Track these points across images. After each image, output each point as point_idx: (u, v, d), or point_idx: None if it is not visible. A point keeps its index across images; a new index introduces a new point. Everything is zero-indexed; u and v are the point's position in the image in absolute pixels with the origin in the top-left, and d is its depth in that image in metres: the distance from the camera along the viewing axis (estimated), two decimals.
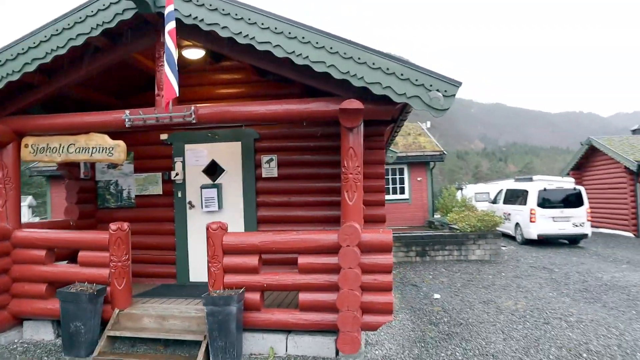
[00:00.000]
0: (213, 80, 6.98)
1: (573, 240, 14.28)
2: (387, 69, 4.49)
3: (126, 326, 5.18)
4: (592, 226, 17.95)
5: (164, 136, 7.01)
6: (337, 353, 4.80)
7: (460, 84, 4.45)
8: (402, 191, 16.59)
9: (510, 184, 17.25)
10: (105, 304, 5.19)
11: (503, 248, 13.53)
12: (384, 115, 4.90)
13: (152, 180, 7.08)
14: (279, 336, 4.98)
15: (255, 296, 4.96)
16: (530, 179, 17.01)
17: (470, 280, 9.07)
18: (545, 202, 13.83)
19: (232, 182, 6.82)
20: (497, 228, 11.68)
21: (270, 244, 4.93)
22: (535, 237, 13.65)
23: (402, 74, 4.47)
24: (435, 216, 16.23)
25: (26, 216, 26.88)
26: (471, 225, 11.46)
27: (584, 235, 13.74)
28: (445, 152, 16.28)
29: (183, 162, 6.95)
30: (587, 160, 19.23)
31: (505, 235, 16.33)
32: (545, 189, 13.91)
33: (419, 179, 16.45)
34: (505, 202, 16.17)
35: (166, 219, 7.02)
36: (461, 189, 24.85)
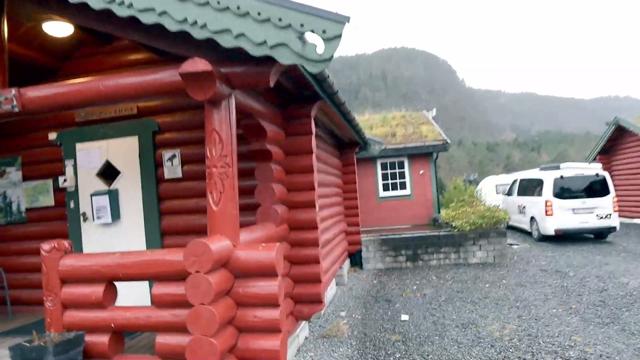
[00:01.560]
0: (114, 65, 5.58)
1: (599, 235, 12.17)
2: (239, 8, 2.96)
3: None
4: (622, 217, 15.65)
5: (52, 135, 5.67)
6: None
7: (347, 19, 2.85)
8: (403, 186, 14.82)
9: (525, 173, 15.18)
10: None
11: (514, 247, 11.60)
12: (261, 81, 3.34)
13: (43, 189, 5.75)
14: None
15: (102, 339, 3.52)
16: (557, 167, 14.80)
17: (460, 291, 7.33)
18: (563, 191, 11.81)
19: (130, 186, 5.40)
20: (503, 224, 9.82)
21: (117, 267, 3.48)
22: (552, 232, 11.65)
23: (259, 14, 2.92)
24: (440, 213, 14.37)
25: None
26: (470, 222, 9.66)
27: (612, 229, 11.63)
28: (448, 141, 14.40)
29: (75, 166, 5.58)
30: (616, 143, 16.88)
31: (522, 231, 14.31)
32: (562, 177, 11.89)
33: (421, 172, 14.63)
34: (519, 194, 14.17)
35: (61, 235, 5.66)
36: (470, 181, 22.62)
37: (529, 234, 13.27)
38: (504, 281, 7.87)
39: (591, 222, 11.49)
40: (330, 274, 7.20)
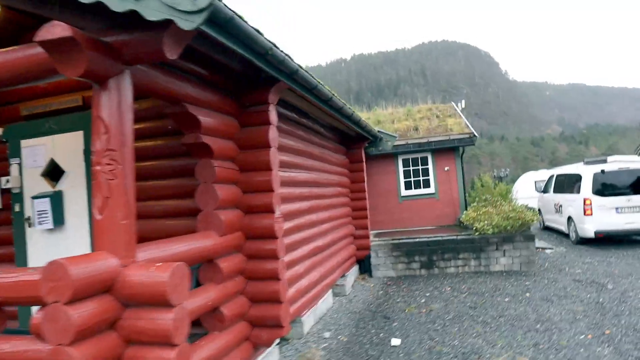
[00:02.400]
0: None
1: None
2: None
3: None
4: None
5: None
6: None
7: None
8: (427, 184, 13.67)
9: (562, 168, 13.65)
10: None
11: (547, 251, 10.28)
12: (157, 53, 2.53)
13: None
14: None
15: None
16: (604, 161, 13.08)
17: (474, 306, 6.28)
18: (605, 188, 10.37)
19: (76, 187, 4.72)
20: (533, 226, 8.58)
21: None
22: (592, 234, 10.24)
23: None
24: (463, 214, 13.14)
25: None
26: (493, 225, 8.50)
27: None
28: (475, 135, 13.13)
29: (20, 164, 4.97)
30: None
31: (559, 233, 12.86)
32: (603, 172, 10.44)
33: (446, 168, 13.43)
34: (555, 191, 12.72)
35: (6, 242, 5.09)
36: (501, 177, 20.88)
37: (567, 236, 11.84)
38: (527, 294, 6.73)
39: (638, 222, 10.01)
40: (319, 289, 6.31)
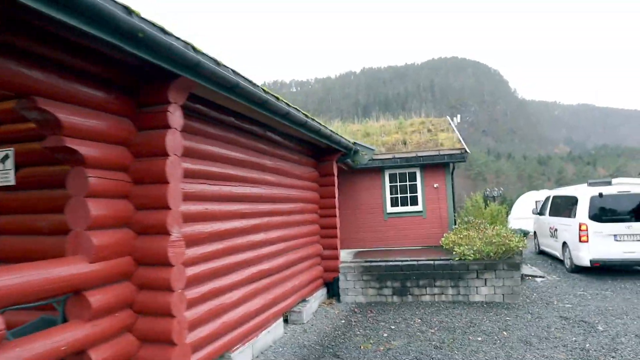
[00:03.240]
0: None
1: None
2: None
3: None
4: None
5: None
6: None
7: None
8: (414, 201, 12.84)
9: (558, 190, 12.76)
10: None
11: (537, 280, 9.39)
12: None
13: None
14: None
15: None
16: (609, 183, 12.05)
17: (439, 346, 5.43)
18: (602, 213, 9.49)
19: None
20: (524, 250, 7.75)
21: None
22: (587, 263, 9.34)
23: None
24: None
25: None
26: (475, 250, 7.65)
27: None
28: (467, 151, 12.31)
29: None
30: None
31: (554, 258, 11.93)
32: (601, 195, 9.58)
33: (435, 185, 12.62)
34: (551, 214, 11.84)
35: None
36: (494, 197, 19.88)
37: (562, 262, 10.92)
38: (504, 333, 5.87)
39: (638, 252, 9.10)
40: (263, 318, 5.49)
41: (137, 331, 3.36)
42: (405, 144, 13.20)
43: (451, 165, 12.62)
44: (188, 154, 4.05)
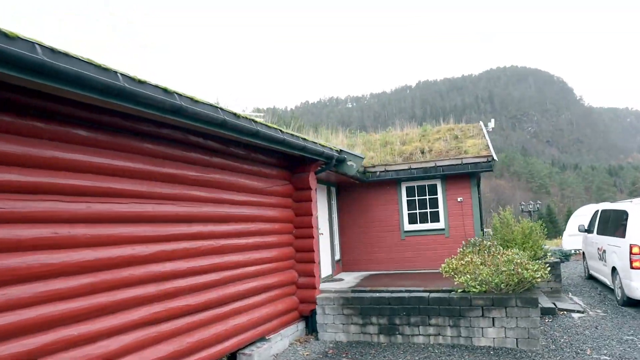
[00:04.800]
0: None
1: None
2: None
3: None
4: None
5: None
6: None
7: None
8: (435, 218, 11.11)
9: (607, 204, 10.50)
10: None
11: (574, 315, 7.41)
12: None
13: None
14: None
15: None
16: None
17: None
18: None
19: None
20: (545, 286, 5.96)
21: None
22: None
23: None
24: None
25: None
26: (480, 280, 5.98)
27: None
28: (495, 158, 10.46)
29: None
30: None
31: (605, 286, 9.72)
32: None
33: (459, 199, 10.86)
34: (599, 232, 9.69)
35: None
36: (530, 212, 17.12)
37: (613, 291, 8.77)
38: None
39: None
40: None
41: None
42: (423, 152, 11.57)
43: (476, 175, 10.82)
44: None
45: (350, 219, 11.52)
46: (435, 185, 11.15)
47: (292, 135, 5.78)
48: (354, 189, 11.43)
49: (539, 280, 5.78)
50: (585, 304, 8.26)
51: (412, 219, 11.25)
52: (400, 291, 6.50)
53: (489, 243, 7.38)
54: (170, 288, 4.38)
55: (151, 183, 4.28)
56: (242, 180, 5.67)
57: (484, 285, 6.00)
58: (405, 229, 11.23)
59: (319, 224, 9.91)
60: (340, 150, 7.29)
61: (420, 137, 13.06)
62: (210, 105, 4.20)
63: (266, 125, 5.16)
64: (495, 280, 5.90)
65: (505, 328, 5.80)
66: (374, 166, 11.05)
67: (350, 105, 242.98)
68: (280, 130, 5.49)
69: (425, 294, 6.23)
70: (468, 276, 6.09)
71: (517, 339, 5.75)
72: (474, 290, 6.04)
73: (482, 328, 5.89)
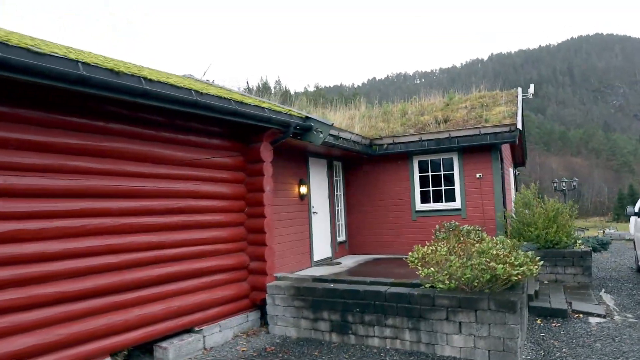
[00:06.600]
0: None
1: None
2: None
3: None
4: None
5: None
6: None
7: None
8: (451, 197, 9.62)
9: None
10: None
11: (592, 321, 5.82)
12: None
13: None
14: None
15: None
16: None
17: None
18: None
19: None
20: (534, 277, 4.62)
21: None
22: None
23: None
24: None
25: None
26: (449, 274, 4.71)
27: None
28: (518, 127, 8.68)
29: None
30: None
31: None
32: None
33: (478, 175, 9.28)
34: None
35: None
36: (563, 190, 14.46)
37: None
38: None
39: None
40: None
41: None
42: (438, 122, 10.04)
43: (498, 147, 9.16)
44: None
45: (358, 198, 10.38)
46: (452, 159, 9.64)
47: (220, 98, 4.80)
48: (362, 164, 10.24)
49: (517, 277, 4.39)
50: (616, 304, 6.58)
51: (425, 198, 9.87)
52: (357, 282, 5.38)
53: (468, 228, 5.96)
54: (35, 272, 3.68)
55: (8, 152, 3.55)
56: (159, 150, 4.82)
57: (453, 281, 4.72)
58: (417, 209, 9.89)
59: (312, 202, 8.93)
60: (307, 116, 6.19)
61: (445, 106, 11.45)
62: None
63: (170, 85, 4.23)
64: (467, 275, 4.60)
65: (474, 336, 4.52)
66: (381, 138, 9.76)
67: (418, 82, 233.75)
68: (196, 92, 4.53)
69: (384, 288, 5.06)
70: (433, 269, 4.83)
71: (489, 351, 4.46)
72: (440, 286, 4.78)
73: (447, 334, 4.65)
